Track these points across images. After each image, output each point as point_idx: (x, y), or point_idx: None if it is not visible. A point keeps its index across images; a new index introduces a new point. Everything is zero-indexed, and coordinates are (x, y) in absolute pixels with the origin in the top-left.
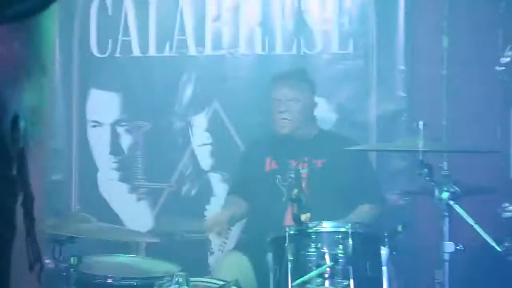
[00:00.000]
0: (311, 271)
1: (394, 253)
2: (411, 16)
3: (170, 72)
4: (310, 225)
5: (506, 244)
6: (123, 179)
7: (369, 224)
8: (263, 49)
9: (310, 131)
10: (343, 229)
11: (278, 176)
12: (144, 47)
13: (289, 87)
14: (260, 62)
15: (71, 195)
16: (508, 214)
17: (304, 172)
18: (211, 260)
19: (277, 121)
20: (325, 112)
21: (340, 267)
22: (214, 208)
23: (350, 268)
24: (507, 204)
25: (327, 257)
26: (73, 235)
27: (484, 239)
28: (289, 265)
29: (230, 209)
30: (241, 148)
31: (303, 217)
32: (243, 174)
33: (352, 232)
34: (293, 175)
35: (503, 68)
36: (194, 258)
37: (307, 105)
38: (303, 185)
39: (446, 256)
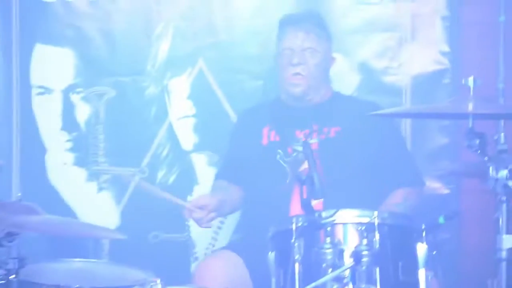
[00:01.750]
0: (326, 274)
1: (434, 252)
2: None
3: (140, 21)
4: (324, 214)
5: None
6: (79, 163)
7: (402, 213)
8: None
9: (322, 93)
10: (367, 219)
11: (280, 150)
12: None
13: (306, 33)
14: (260, 4)
15: (10, 180)
16: None
17: (313, 142)
18: (194, 266)
19: (287, 77)
20: (343, 72)
21: (363, 268)
22: None
23: (377, 269)
24: None
25: (346, 255)
26: (12, 229)
27: None
28: (297, 267)
29: (217, 193)
30: (234, 121)
31: (315, 203)
32: (235, 151)
33: (379, 224)
34: (299, 148)
35: None
36: (173, 264)
37: (325, 58)
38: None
39: (503, 254)
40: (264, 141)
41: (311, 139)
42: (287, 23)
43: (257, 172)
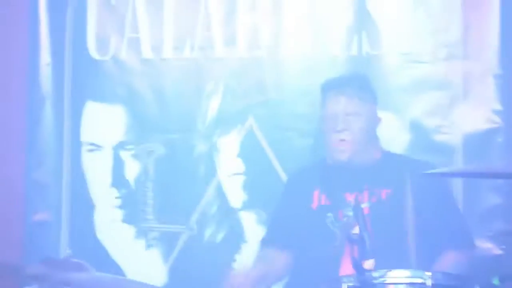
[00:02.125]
0: None
1: None
2: (510, 3)
3: (191, 79)
4: (376, 274)
5: None
6: (128, 220)
7: (455, 274)
8: (313, 48)
9: (371, 155)
10: (420, 280)
11: (330, 214)
12: (157, 47)
13: (348, 97)
14: (309, 65)
15: (59, 237)
16: None
17: (365, 206)
18: None
19: (332, 143)
20: (393, 131)
21: None
22: (247, 259)
23: None
24: None
25: None
26: (61, 287)
27: None
28: None
29: (261, 266)
30: (283, 179)
31: (367, 264)
32: (284, 214)
33: (433, 285)
34: (350, 213)
35: None
36: None
37: (370, 121)
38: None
39: None
40: (315, 204)
41: (362, 203)
42: (329, 88)
43: (307, 236)
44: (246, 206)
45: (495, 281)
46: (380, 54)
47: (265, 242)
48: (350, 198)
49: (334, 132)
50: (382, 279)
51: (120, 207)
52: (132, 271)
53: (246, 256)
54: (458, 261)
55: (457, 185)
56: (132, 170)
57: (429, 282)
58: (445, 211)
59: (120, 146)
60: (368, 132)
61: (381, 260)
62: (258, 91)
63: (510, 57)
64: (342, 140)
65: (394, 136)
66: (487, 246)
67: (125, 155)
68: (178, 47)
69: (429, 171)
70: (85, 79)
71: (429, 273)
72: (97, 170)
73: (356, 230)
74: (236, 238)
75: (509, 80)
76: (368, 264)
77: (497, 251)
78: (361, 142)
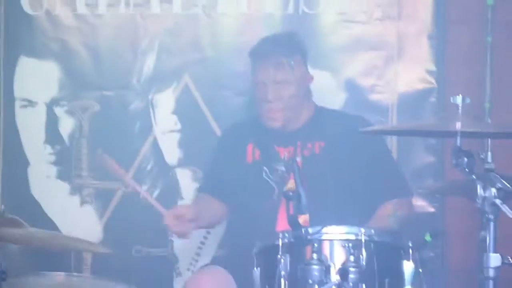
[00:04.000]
0: None
1: (420, 270)
2: None
3: (126, 36)
4: (311, 230)
5: None
6: (62, 176)
7: (388, 231)
8: (249, 7)
9: (304, 115)
10: (354, 236)
11: (265, 168)
12: (92, 2)
13: (276, 66)
14: (246, 23)
15: None
16: None
17: (298, 160)
18: (177, 282)
19: (264, 112)
20: (329, 90)
21: (350, 285)
22: None
23: (363, 286)
24: None
25: (333, 272)
26: None
27: None
28: (283, 283)
29: (197, 204)
30: (218, 136)
31: (302, 219)
32: (219, 167)
33: (366, 240)
34: (282, 168)
35: None
36: (155, 279)
37: (301, 84)
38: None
39: (491, 272)
40: (249, 159)
41: (295, 157)
42: (256, 56)
43: (242, 189)
44: (182, 163)
45: (427, 237)
46: (316, 13)
47: (201, 190)
48: (284, 152)
49: (265, 102)
50: (318, 235)
51: (55, 163)
52: (66, 227)
53: None
54: (397, 210)
55: (391, 144)
56: (66, 126)
57: (363, 238)
58: (380, 163)
59: (54, 102)
60: (299, 96)
61: (317, 215)
62: (193, 48)
63: (444, 17)
64: (273, 109)
65: (330, 95)
66: (420, 203)
67: (59, 111)
68: (113, 3)
69: (364, 129)
70: (18, 34)
71: (363, 230)
72: (31, 126)
73: (291, 184)
74: (172, 194)
75: (442, 41)
76: (304, 219)
77: (430, 209)
78: (293, 108)
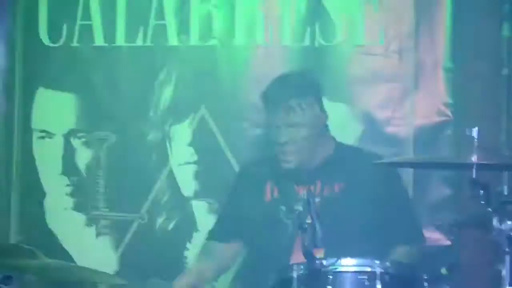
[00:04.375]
0: None
1: None
2: None
3: (144, 67)
4: (326, 262)
5: None
6: (78, 208)
7: (404, 263)
8: (266, 39)
9: (322, 153)
10: (369, 269)
11: (282, 207)
12: (110, 34)
13: (286, 109)
14: (262, 55)
15: (9, 225)
16: None
17: (317, 200)
18: None
19: (278, 154)
20: (346, 123)
21: None
22: (198, 248)
23: None
24: None
25: None
26: (10, 273)
27: None
28: None
29: (210, 261)
30: (235, 169)
31: (317, 252)
32: (236, 205)
33: (381, 273)
34: (300, 208)
35: None
36: None
37: (315, 124)
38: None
39: None
40: (267, 197)
41: (314, 196)
42: (267, 100)
43: (259, 227)
44: (198, 195)
45: (443, 271)
46: (332, 45)
47: (213, 235)
48: (303, 191)
49: (278, 145)
50: (332, 267)
51: (71, 194)
52: (82, 259)
53: (198, 245)
54: (408, 254)
55: (408, 176)
56: (83, 157)
57: (378, 271)
58: (395, 205)
59: (72, 133)
60: (313, 136)
61: (332, 252)
62: (210, 80)
63: (460, 50)
64: (286, 151)
65: (346, 127)
66: (436, 236)
67: (76, 142)
68: (130, 35)
69: (380, 161)
70: (37, 65)
71: (378, 262)
72: (48, 158)
73: (308, 220)
74: (187, 226)
75: (459, 74)
76: (319, 252)
77: (446, 242)
78: (307, 149)
